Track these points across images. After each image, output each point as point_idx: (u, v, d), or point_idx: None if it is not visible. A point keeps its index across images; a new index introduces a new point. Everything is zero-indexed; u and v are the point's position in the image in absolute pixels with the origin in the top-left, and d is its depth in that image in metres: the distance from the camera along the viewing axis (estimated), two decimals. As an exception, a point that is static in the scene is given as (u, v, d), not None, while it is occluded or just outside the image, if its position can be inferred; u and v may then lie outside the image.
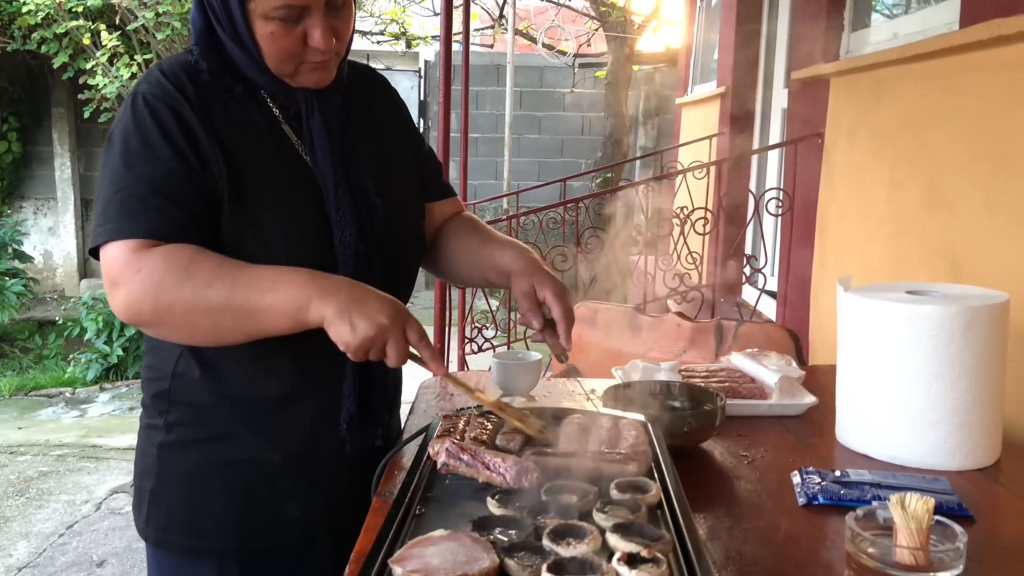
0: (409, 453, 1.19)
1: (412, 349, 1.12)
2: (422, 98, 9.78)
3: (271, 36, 1.13)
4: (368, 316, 1.05)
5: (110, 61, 6.91)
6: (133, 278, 1.07)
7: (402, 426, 1.45)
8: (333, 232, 1.18)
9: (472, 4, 6.46)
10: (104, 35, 6.83)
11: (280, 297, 1.06)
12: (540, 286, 1.24)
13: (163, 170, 1.11)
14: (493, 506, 0.97)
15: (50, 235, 8.80)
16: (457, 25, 4.63)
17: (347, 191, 1.21)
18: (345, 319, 1.05)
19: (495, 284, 1.35)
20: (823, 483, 1.16)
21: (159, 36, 6.77)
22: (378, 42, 10.02)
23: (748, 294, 4.31)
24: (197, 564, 1.24)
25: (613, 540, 0.86)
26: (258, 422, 1.22)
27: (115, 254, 1.09)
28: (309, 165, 1.21)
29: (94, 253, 1.13)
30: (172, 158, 1.12)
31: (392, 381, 1.32)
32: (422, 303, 8.15)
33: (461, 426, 1.18)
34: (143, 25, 6.74)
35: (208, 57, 1.17)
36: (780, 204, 3.76)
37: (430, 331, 4.29)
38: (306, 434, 1.24)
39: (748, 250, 4.43)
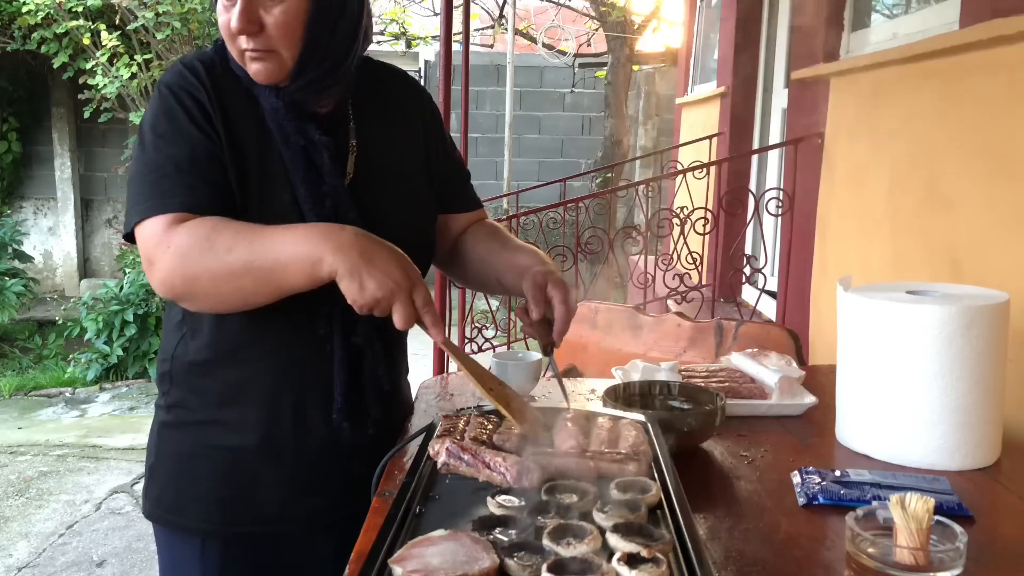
0: (409, 453, 1.19)
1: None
2: (422, 98, 9.77)
3: (219, 16, 1.16)
4: (377, 277, 1.07)
5: (110, 61, 6.90)
6: (164, 254, 1.12)
7: (408, 423, 1.44)
8: None
9: (472, 4, 6.46)
10: (104, 35, 6.82)
11: (296, 254, 1.08)
12: (553, 284, 1.23)
13: (189, 148, 1.15)
14: (493, 506, 0.97)
15: (50, 235, 8.79)
16: (457, 25, 4.62)
17: (351, 198, 1.21)
18: (355, 277, 1.07)
19: (510, 288, 1.33)
20: (823, 483, 1.16)
21: (159, 36, 6.77)
22: (378, 42, 10.01)
23: (748, 294, 4.32)
24: (183, 540, 1.29)
25: (613, 540, 0.86)
26: (242, 410, 1.24)
27: (148, 233, 1.14)
28: (316, 167, 1.20)
29: (129, 238, 1.17)
30: (198, 135, 1.16)
31: (385, 374, 1.30)
32: (422, 303, 8.16)
33: (461, 426, 1.18)
34: (143, 25, 6.74)
35: (224, 51, 1.21)
36: (780, 204, 3.76)
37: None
38: (289, 425, 1.25)
39: (748, 250, 4.42)
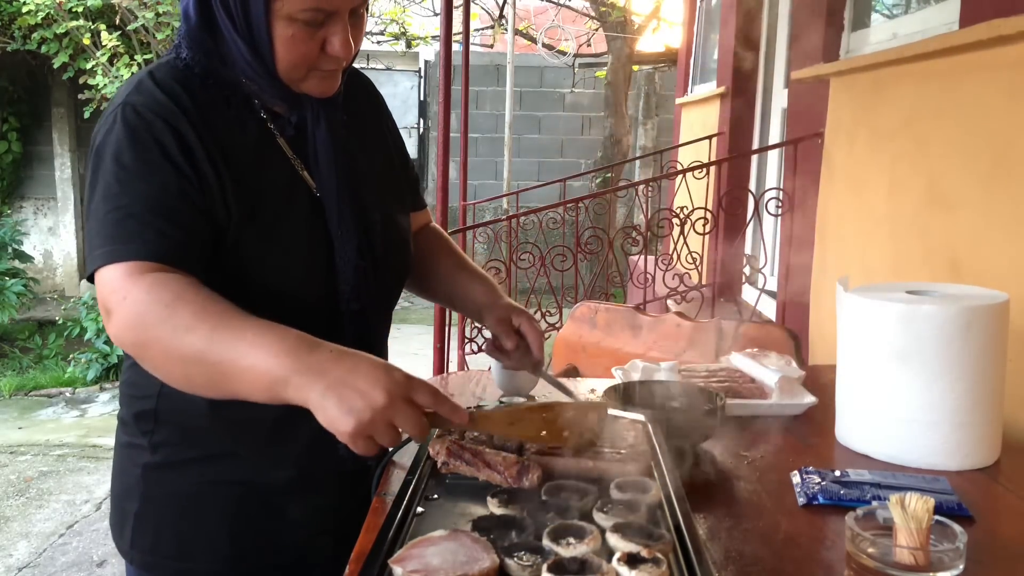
0: (409, 453, 1.19)
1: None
2: (422, 98, 9.79)
3: (291, 39, 1.08)
4: (361, 395, 0.90)
5: (110, 61, 6.91)
6: (120, 305, 1.00)
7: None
8: (335, 248, 1.16)
9: (472, 4, 6.46)
10: (104, 35, 6.83)
11: (257, 363, 0.93)
12: (516, 315, 1.37)
13: (160, 188, 1.05)
14: (493, 506, 0.97)
15: (50, 235, 8.80)
16: (457, 25, 4.63)
17: (348, 205, 1.18)
18: (332, 402, 0.90)
19: (459, 309, 1.50)
20: (823, 483, 1.16)
21: (159, 36, 6.77)
22: (378, 42, 10.03)
23: (748, 294, 4.31)
24: None
25: (613, 540, 0.86)
26: (254, 443, 1.18)
27: (107, 278, 1.02)
28: (305, 181, 1.18)
29: (92, 279, 1.06)
30: (170, 175, 1.06)
31: None
32: (422, 303, 8.15)
33: (461, 426, 1.18)
34: (143, 25, 6.74)
35: (199, 61, 1.13)
36: (780, 204, 3.76)
37: (430, 331, 4.27)
38: (304, 453, 1.20)
39: (748, 250, 4.42)
